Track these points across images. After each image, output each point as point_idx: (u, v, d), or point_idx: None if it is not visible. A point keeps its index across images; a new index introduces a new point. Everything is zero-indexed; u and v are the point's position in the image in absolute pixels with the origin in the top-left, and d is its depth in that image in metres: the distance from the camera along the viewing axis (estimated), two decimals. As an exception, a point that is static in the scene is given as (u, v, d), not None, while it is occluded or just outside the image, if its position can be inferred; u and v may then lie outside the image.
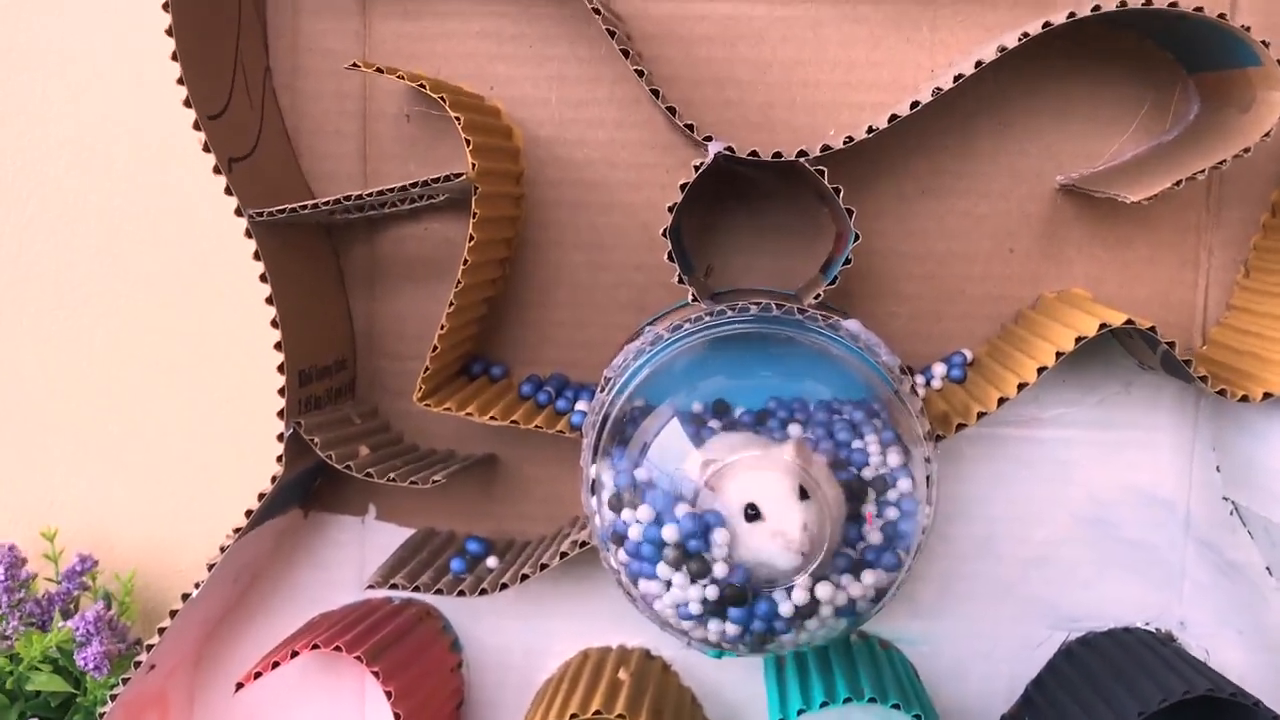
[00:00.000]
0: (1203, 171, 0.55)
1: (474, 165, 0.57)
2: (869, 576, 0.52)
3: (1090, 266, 0.65)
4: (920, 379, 0.64)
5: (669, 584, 0.51)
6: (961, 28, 0.63)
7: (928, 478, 0.54)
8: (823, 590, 0.51)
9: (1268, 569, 0.65)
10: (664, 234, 0.56)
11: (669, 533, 0.51)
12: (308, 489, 0.68)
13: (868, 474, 0.54)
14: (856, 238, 0.56)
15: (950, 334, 0.65)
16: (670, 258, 0.56)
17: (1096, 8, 0.54)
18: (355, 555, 0.69)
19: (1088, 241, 0.64)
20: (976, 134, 0.63)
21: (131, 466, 0.71)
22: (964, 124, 0.63)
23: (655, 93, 0.57)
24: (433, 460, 0.65)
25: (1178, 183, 0.55)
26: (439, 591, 0.60)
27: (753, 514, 0.51)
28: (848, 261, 0.56)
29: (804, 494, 0.51)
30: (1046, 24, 0.55)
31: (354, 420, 0.65)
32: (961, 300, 0.65)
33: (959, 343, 0.65)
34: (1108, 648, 0.65)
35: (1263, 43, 0.53)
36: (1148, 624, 0.66)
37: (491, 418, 0.59)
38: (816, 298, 0.57)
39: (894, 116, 0.55)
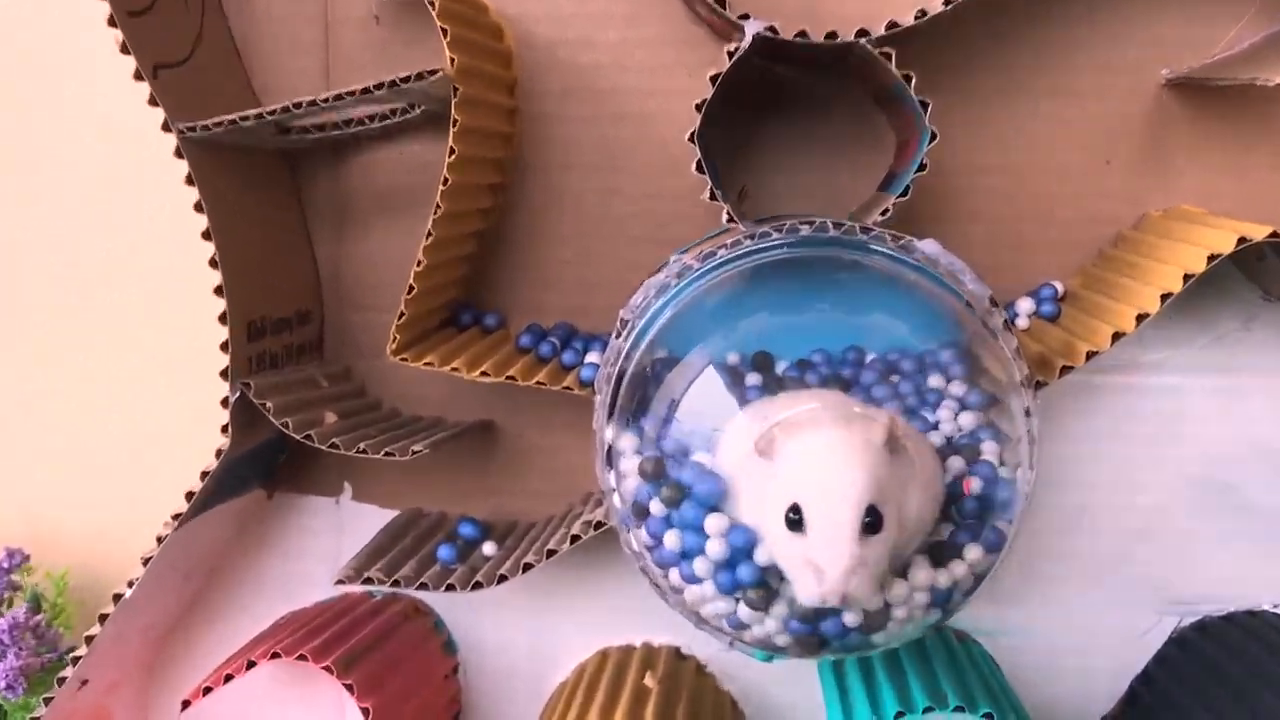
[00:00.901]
0: (1368, 42, 0.44)
1: (453, 60, 0.46)
2: (968, 555, 0.41)
3: (1203, 178, 0.53)
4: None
5: (709, 580, 0.40)
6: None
7: (1029, 434, 0.43)
8: (900, 589, 0.40)
9: None
10: (690, 139, 0.45)
11: (712, 548, 0.40)
12: (270, 466, 0.57)
13: (957, 432, 0.43)
14: (933, 137, 0.44)
15: (1036, 264, 0.54)
16: (699, 168, 0.45)
17: None
18: (330, 543, 0.59)
19: (1200, 148, 0.53)
20: (1066, 21, 0.52)
21: (66, 445, 0.61)
22: (1050, 8, 0.52)
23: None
24: (416, 428, 0.54)
25: (1335, 58, 0.44)
26: (423, 586, 0.49)
27: (794, 519, 0.38)
28: (922, 167, 0.45)
29: (872, 523, 0.37)
30: None
31: (320, 383, 0.54)
32: (1049, 222, 0.54)
33: (1047, 273, 0.54)
34: (1229, 633, 0.54)
35: None
36: (1277, 606, 0.55)
37: (483, 373, 0.48)
38: (884, 213, 0.46)
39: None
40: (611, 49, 0.54)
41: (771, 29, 0.45)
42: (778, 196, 0.55)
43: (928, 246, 0.44)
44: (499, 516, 0.57)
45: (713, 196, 0.45)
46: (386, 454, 0.48)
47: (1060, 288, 0.53)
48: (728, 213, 0.45)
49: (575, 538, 0.48)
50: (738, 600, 0.41)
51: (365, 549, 0.53)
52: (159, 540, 0.49)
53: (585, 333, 0.55)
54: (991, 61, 0.52)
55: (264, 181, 0.54)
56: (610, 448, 0.44)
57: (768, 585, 0.40)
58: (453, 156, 0.46)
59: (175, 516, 0.49)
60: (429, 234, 0.47)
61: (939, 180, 0.54)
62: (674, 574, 0.42)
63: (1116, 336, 0.46)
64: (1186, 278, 0.45)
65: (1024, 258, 0.54)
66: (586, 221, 0.55)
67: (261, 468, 0.56)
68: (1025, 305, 0.53)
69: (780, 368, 0.44)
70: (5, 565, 0.59)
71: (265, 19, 0.55)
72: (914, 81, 0.44)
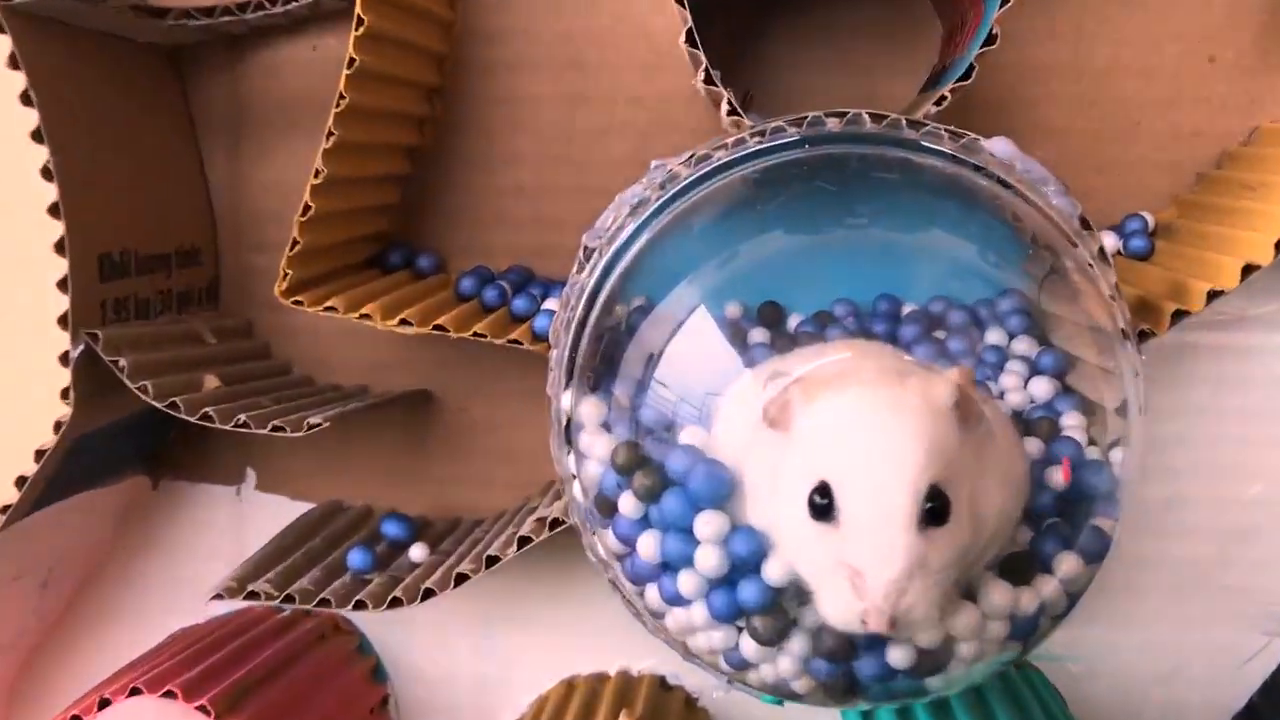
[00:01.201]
0: None
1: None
2: (1060, 568, 0.29)
3: (1332, 81, 0.42)
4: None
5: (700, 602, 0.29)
6: None
7: (1137, 400, 0.32)
8: (967, 617, 0.28)
9: None
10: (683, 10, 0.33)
11: (704, 560, 0.28)
12: (153, 446, 0.45)
13: (1029, 403, 0.31)
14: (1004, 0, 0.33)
15: (1120, 188, 0.43)
16: (691, 40, 0.33)
17: None
18: (229, 541, 0.47)
19: (1329, 41, 0.42)
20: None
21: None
22: None
23: None
24: (330, 399, 0.42)
25: None
26: (324, 603, 0.37)
27: (822, 504, 0.27)
28: (990, 40, 0.33)
29: (937, 509, 0.26)
30: None
31: (206, 339, 0.42)
32: (1135, 138, 0.42)
33: (1134, 201, 0.42)
34: (1357, 662, 0.43)
35: None
36: None
37: (403, 321, 0.37)
38: (940, 103, 0.34)
39: None
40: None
41: None
42: (792, 102, 0.43)
43: (998, 146, 0.33)
44: (439, 511, 0.46)
45: (708, 80, 0.33)
46: (274, 428, 0.36)
47: (1150, 220, 0.42)
48: (729, 103, 0.34)
49: (524, 540, 0.36)
50: (740, 630, 0.29)
51: (259, 553, 0.41)
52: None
53: (544, 276, 0.43)
54: (1067, -73, 0.41)
55: (137, 83, 0.42)
56: (569, 420, 0.33)
57: (781, 611, 0.28)
58: (360, 29, 0.35)
59: (4, 509, 0.38)
60: (329, 134, 0.35)
61: (997, 86, 0.42)
62: (652, 592, 0.30)
63: (1249, 269, 0.34)
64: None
65: (1104, 182, 0.43)
66: (547, 137, 0.43)
67: (139, 448, 0.45)
68: (1108, 242, 0.41)
69: (793, 323, 0.33)
70: None
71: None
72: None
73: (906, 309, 0.33)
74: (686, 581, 0.28)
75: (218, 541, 0.47)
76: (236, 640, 0.43)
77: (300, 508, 0.46)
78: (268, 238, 0.45)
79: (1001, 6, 0.33)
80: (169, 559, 0.47)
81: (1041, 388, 0.32)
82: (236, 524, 0.47)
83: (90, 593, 0.48)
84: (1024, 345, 0.33)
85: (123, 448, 0.44)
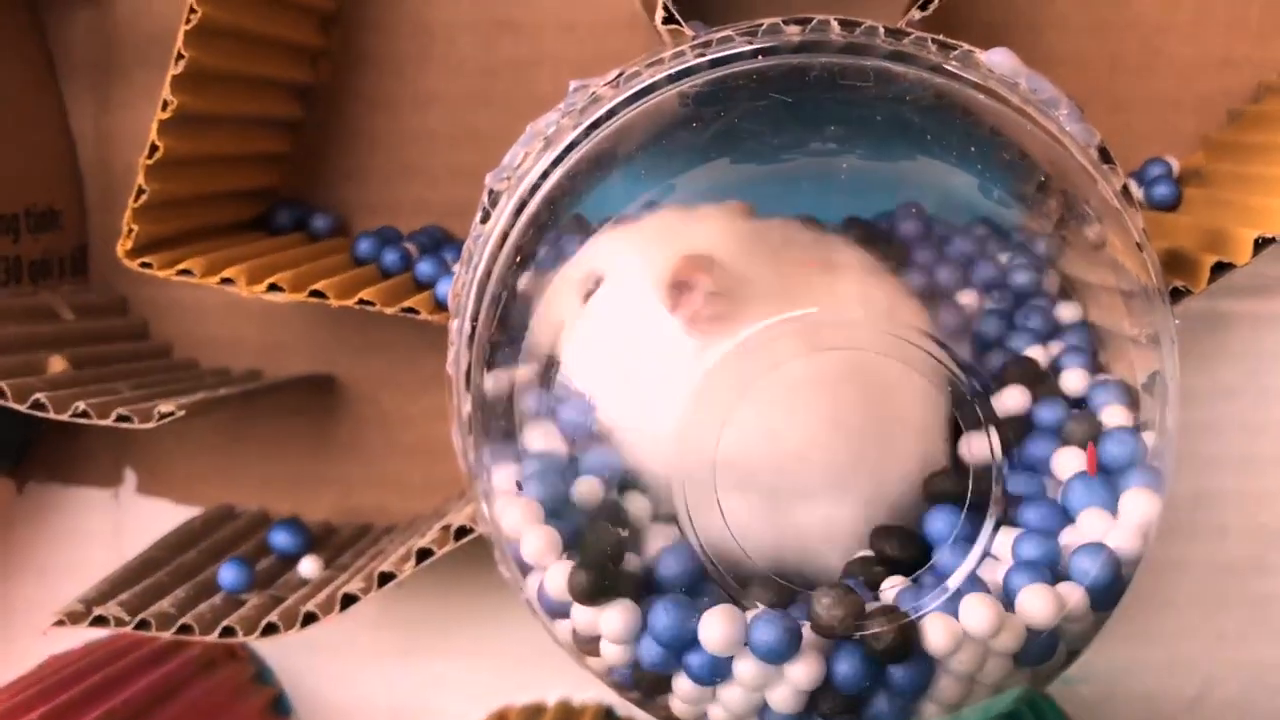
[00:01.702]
0: None
1: None
2: (1087, 569, 0.23)
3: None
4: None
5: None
6: None
7: (1172, 370, 0.26)
8: (977, 614, 0.22)
9: None
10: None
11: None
12: (15, 445, 0.39)
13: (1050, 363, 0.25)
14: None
15: (1140, 128, 0.36)
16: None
17: None
18: (106, 552, 0.40)
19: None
20: None
21: None
22: None
23: None
24: (208, 384, 0.36)
25: None
26: (184, 630, 0.30)
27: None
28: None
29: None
30: None
31: (62, 315, 0.35)
32: (1157, 67, 0.36)
33: (1154, 145, 0.36)
34: None
35: None
36: None
37: (273, 287, 0.30)
38: (924, 6, 0.28)
39: None
40: None
41: None
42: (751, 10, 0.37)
43: (999, 58, 0.26)
44: (346, 516, 0.39)
45: (638, -17, 0.27)
46: (120, 418, 0.30)
47: (1175, 165, 0.35)
48: (664, 8, 0.27)
49: (425, 553, 0.29)
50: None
51: (122, 568, 0.34)
52: None
53: (461, 239, 0.37)
54: None
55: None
56: (468, 404, 0.27)
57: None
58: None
59: None
60: (178, 55, 0.29)
61: (994, 6, 0.36)
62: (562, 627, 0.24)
63: (1262, 243, 0.28)
64: None
65: (1120, 121, 0.36)
66: (464, 74, 0.37)
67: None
68: (1130, 188, 0.35)
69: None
70: None
71: None
72: None
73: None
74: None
75: (94, 553, 0.40)
76: (109, 667, 0.37)
77: (188, 513, 0.40)
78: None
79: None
80: (38, 574, 0.41)
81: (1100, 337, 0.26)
82: (114, 532, 0.41)
83: (-52, 613, 0.41)
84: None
85: None
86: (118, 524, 0.41)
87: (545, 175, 0.26)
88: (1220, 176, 0.33)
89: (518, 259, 0.26)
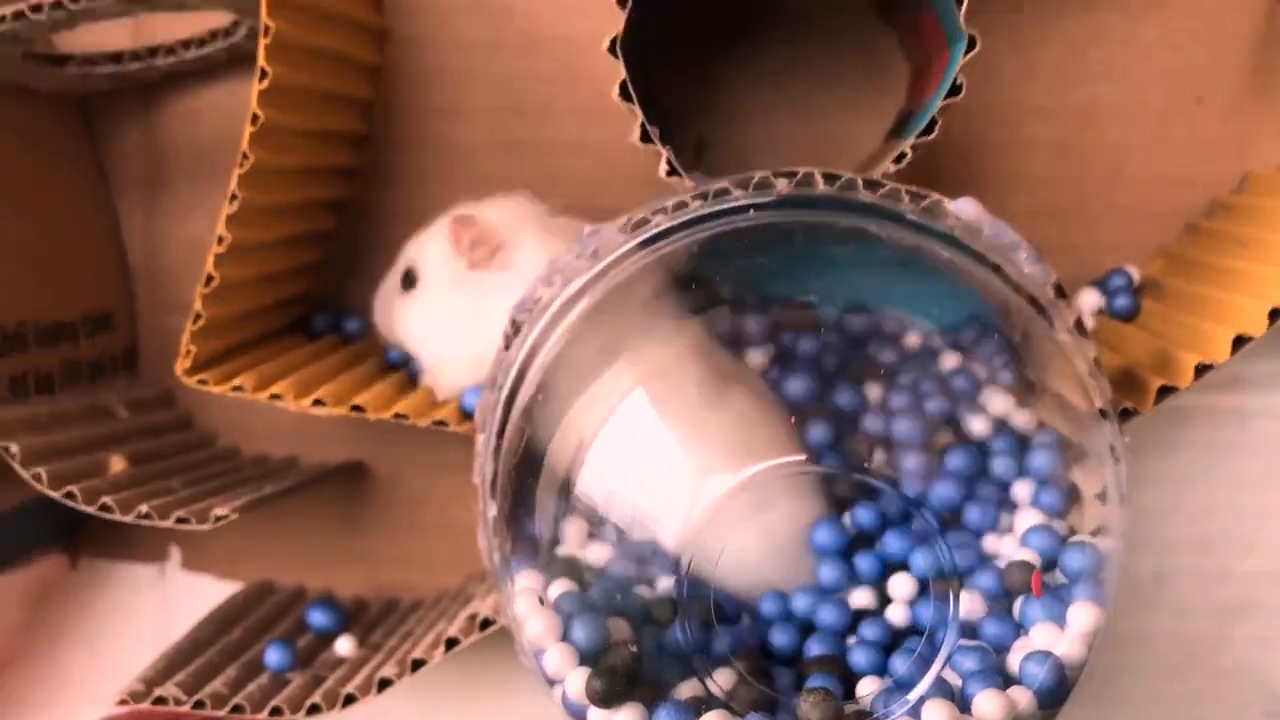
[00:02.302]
0: None
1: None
2: (1035, 674, 0.26)
3: (1330, 123, 0.39)
4: (1059, 315, 0.38)
5: None
6: None
7: (1117, 485, 0.29)
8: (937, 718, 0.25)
9: None
10: (611, 49, 0.30)
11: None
12: (69, 523, 0.42)
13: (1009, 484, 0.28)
14: (972, 44, 0.30)
15: (1104, 240, 0.40)
16: (625, 93, 0.30)
17: None
18: (154, 625, 0.44)
19: (1327, 80, 0.38)
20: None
21: None
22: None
23: None
24: (250, 475, 0.39)
25: None
26: (237, 709, 0.34)
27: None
28: (955, 90, 0.30)
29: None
30: None
31: (116, 413, 0.39)
32: (1119, 185, 0.39)
33: (1118, 255, 0.39)
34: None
35: None
36: None
37: (317, 403, 0.33)
38: (900, 159, 0.31)
39: None
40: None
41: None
42: (749, 150, 0.40)
43: (964, 207, 0.29)
44: (376, 591, 0.42)
45: (644, 137, 0.30)
46: (179, 520, 0.33)
47: (1135, 275, 0.39)
48: (668, 162, 0.31)
49: (452, 642, 0.33)
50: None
51: (173, 647, 0.37)
52: None
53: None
54: (1043, -37, 0.38)
55: (42, 136, 0.39)
56: (495, 513, 0.30)
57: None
58: (264, 82, 0.31)
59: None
60: (232, 197, 0.32)
61: (968, 131, 0.39)
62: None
63: (1240, 341, 0.31)
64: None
65: (1087, 233, 0.40)
66: (485, 188, 0.40)
67: (55, 527, 0.42)
68: (1090, 299, 0.38)
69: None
70: None
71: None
72: (942, -29, 0.29)
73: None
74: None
75: (141, 625, 0.44)
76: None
77: (229, 588, 0.43)
78: (187, 298, 0.42)
79: (967, 53, 0.30)
80: (90, 645, 0.44)
81: (1045, 458, 0.29)
82: (161, 606, 0.44)
83: (3, 682, 0.44)
84: (1025, 408, 0.30)
85: (34, 528, 0.40)
86: (164, 598, 0.44)
87: (562, 312, 0.30)
88: (1174, 292, 0.37)
89: (538, 393, 0.30)
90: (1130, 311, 0.37)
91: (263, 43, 0.31)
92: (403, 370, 0.38)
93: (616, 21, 0.31)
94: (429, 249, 0.37)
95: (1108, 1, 0.38)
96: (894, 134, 0.37)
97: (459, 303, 0.36)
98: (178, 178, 0.42)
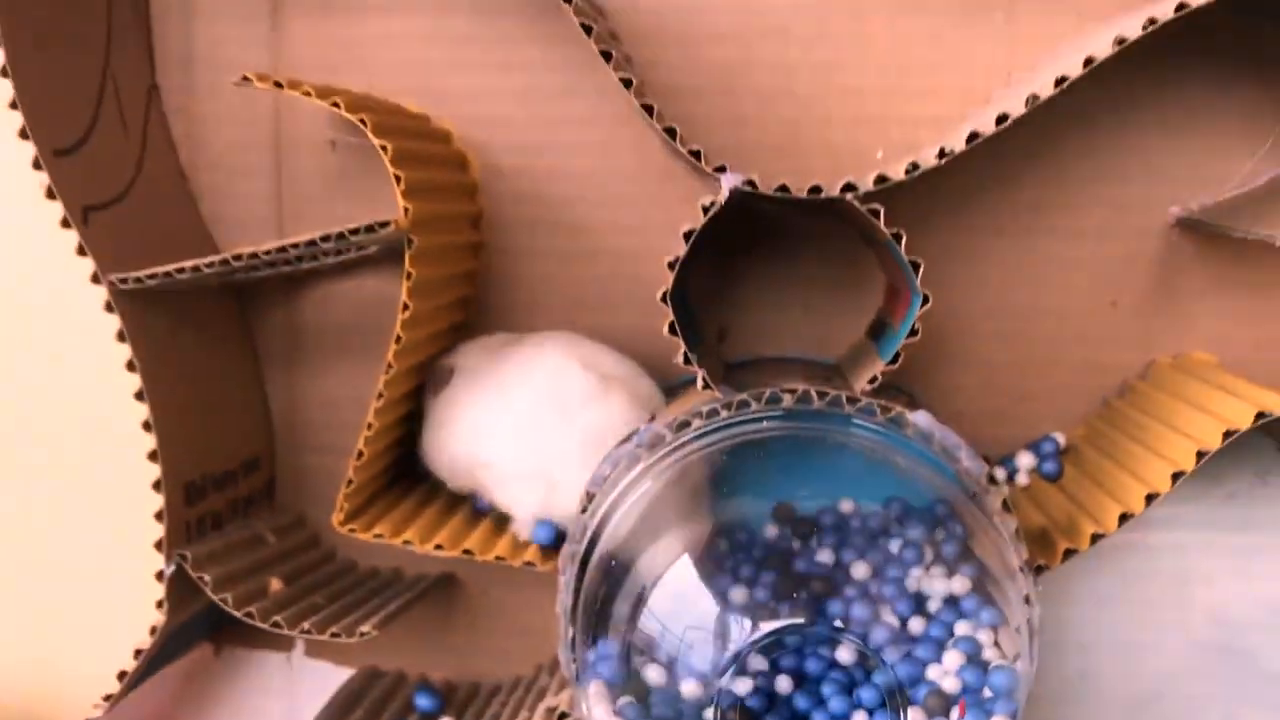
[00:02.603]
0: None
1: (406, 210, 0.42)
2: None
3: (1216, 323, 0.50)
4: (1001, 472, 0.49)
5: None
6: (1045, 14, 0.48)
7: (1030, 624, 0.40)
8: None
9: None
10: (663, 299, 0.41)
11: None
12: (216, 620, 0.53)
13: (938, 614, 0.39)
14: (925, 300, 0.41)
15: (1036, 413, 0.51)
16: (673, 330, 0.41)
17: (1224, -6, 0.39)
18: (282, 704, 0.55)
19: (1212, 290, 0.50)
20: (1069, 157, 0.49)
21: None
22: (1050, 142, 0.49)
23: (648, 109, 0.43)
24: (371, 587, 0.50)
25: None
26: (371, 780, 0.45)
27: None
28: (913, 333, 0.41)
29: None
30: (1151, 21, 0.40)
31: (267, 539, 0.50)
32: (1050, 369, 0.50)
33: (1048, 424, 0.50)
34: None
35: None
36: (1297, 781, 0.51)
37: (437, 546, 0.45)
38: (873, 381, 0.42)
39: (974, 135, 0.41)
40: (583, 179, 0.51)
41: (750, 183, 0.41)
42: (761, 335, 0.51)
43: (920, 419, 0.41)
44: (461, 676, 0.53)
45: (686, 360, 0.41)
46: (333, 635, 0.44)
47: (1062, 440, 0.50)
48: (703, 379, 0.42)
49: (536, 728, 0.44)
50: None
51: (313, 723, 0.49)
52: (88, 723, 0.46)
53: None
54: (989, 202, 0.49)
55: (208, 321, 0.50)
56: (573, 638, 0.41)
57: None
58: (407, 313, 0.43)
59: (107, 698, 0.45)
60: (380, 394, 0.44)
61: (933, 321, 0.50)
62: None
63: (1125, 518, 0.42)
64: (1200, 454, 0.41)
65: (1024, 407, 0.51)
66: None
67: (207, 624, 0.52)
68: (1026, 460, 0.49)
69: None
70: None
71: (214, 142, 0.52)
72: (904, 240, 0.41)
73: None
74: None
75: (272, 703, 0.55)
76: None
77: (343, 672, 0.54)
78: (317, 442, 0.53)
79: (923, 306, 0.41)
80: (230, 719, 0.55)
81: (972, 606, 0.40)
82: (288, 687, 0.55)
83: (158, 744, 0.55)
84: (958, 570, 0.40)
85: (198, 629, 0.51)
86: (291, 680, 0.55)
87: (626, 491, 0.41)
88: (1088, 461, 0.48)
89: (609, 552, 0.40)
90: (1055, 474, 0.48)
91: (408, 253, 0.42)
92: (490, 514, 0.49)
93: (663, 239, 0.42)
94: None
95: (1043, 229, 0.50)
96: (871, 331, 0.49)
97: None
98: (310, 350, 0.53)
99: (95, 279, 0.44)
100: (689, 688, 0.38)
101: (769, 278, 0.51)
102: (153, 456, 0.44)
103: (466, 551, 0.44)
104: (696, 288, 0.50)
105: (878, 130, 0.48)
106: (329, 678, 0.54)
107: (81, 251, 0.43)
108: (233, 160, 0.52)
